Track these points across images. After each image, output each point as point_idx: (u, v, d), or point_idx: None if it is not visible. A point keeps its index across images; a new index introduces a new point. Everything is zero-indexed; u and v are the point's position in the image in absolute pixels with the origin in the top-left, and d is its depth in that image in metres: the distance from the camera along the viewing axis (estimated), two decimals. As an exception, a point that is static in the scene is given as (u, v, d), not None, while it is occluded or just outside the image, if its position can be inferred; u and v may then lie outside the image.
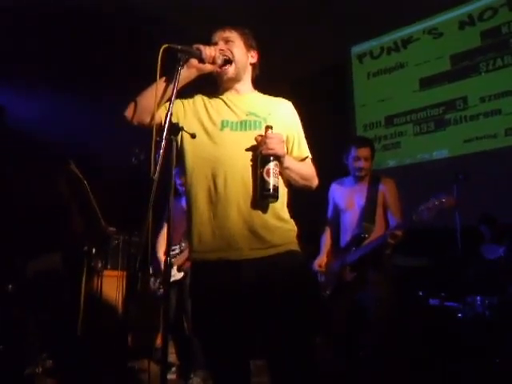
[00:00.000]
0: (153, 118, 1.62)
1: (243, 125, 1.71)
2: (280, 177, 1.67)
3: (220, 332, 1.63)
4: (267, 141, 1.60)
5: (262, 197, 1.61)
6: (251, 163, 1.66)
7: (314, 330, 1.68)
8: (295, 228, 1.74)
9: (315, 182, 1.83)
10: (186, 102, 1.80)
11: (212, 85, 1.83)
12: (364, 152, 3.07)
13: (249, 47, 1.82)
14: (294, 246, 1.69)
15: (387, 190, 3.02)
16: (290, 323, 1.56)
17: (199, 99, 1.81)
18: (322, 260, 3.11)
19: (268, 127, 1.65)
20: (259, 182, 1.61)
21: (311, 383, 1.60)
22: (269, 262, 1.60)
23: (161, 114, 1.65)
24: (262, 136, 1.65)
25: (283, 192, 1.73)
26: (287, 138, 1.77)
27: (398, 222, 2.84)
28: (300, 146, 1.80)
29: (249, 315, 1.61)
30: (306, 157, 1.82)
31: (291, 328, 1.56)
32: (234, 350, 1.65)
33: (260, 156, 1.62)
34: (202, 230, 1.66)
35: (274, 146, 1.60)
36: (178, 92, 1.58)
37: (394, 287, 2.88)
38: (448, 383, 2.99)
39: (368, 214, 2.97)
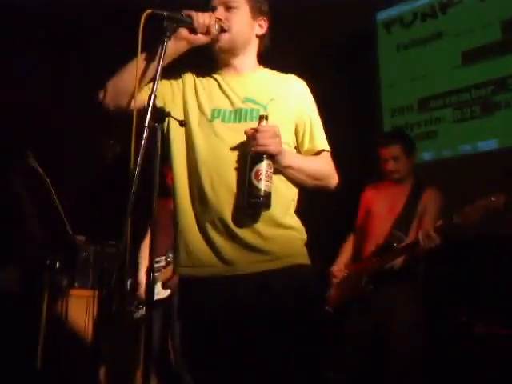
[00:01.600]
0: (132, 101, 1.62)
1: (237, 115, 1.72)
2: (283, 177, 1.69)
3: (215, 361, 1.65)
4: (258, 135, 1.59)
5: (250, 205, 1.60)
6: (244, 163, 1.65)
7: (315, 363, 1.66)
8: (303, 236, 1.75)
9: (333, 181, 1.81)
10: (174, 82, 1.81)
11: (209, 61, 1.84)
12: (391, 151, 3.10)
13: (257, 14, 1.81)
14: (300, 258, 1.70)
15: (429, 201, 3.05)
16: (280, 355, 1.58)
17: (190, 79, 1.82)
18: (338, 268, 3.16)
19: (262, 117, 1.64)
20: (247, 187, 1.59)
21: None
22: (269, 276, 1.61)
23: (144, 97, 1.61)
24: (253, 129, 1.63)
25: (287, 194, 1.73)
26: (296, 127, 1.78)
27: (435, 225, 2.82)
28: (313, 137, 1.79)
29: (248, 344, 1.62)
30: (322, 150, 1.80)
31: (283, 361, 1.58)
32: (229, 381, 1.67)
33: (250, 154, 1.62)
34: (189, 239, 1.69)
35: (266, 141, 1.58)
36: (164, 69, 1.58)
37: (422, 309, 2.92)
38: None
39: (403, 223, 3.01)
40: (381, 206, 3.16)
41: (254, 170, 1.58)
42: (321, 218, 3.90)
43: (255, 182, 1.57)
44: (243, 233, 1.62)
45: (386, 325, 2.90)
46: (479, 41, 4.96)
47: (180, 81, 1.82)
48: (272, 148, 1.59)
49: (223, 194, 1.64)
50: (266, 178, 1.58)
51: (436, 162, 4.99)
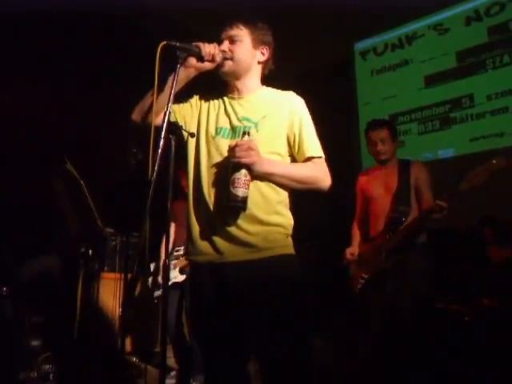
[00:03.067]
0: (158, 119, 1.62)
1: (233, 132, 1.72)
2: (270, 183, 1.67)
3: (213, 333, 1.65)
4: (236, 149, 1.58)
5: (230, 207, 1.58)
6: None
7: (301, 332, 1.65)
8: (286, 230, 1.70)
9: (323, 183, 1.74)
10: (194, 103, 1.82)
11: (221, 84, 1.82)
12: (379, 134, 2.94)
13: (258, 44, 1.78)
14: (283, 249, 1.66)
15: (418, 173, 2.90)
16: (271, 327, 1.58)
17: (206, 101, 1.82)
18: (353, 249, 3.00)
19: (244, 133, 1.62)
20: (227, 193, 1.58)
21: None
22: (253, 265, 1.60)
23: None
24: (235, 144, 1.62)
25: (272, 197, 1.69)
26: (287, 138, 1.74)
27: (431, 201, 2.66)
28: (302, 146, 1.74)
29: (236, 317, 1.62)
30: (311, 157, 1.74)
31: (272, 331, 1.57)
32: (228, 352, 1.65)
33: (231, 165, 1.60)
34: (194, 233, 1.70)
35: (242, 154, 1.56)
36: (181, 91, 1.61)
37: (433, 277, 2.75)
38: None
39: (402, 197, 2.83)
40: (377, 188, 2.98)
41: (232, 179, 1.57)
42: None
43: (232, 189, 1.56)
44: (231, 229, 1.62)
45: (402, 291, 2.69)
46: (439, 67, 4.98)
47: (198, 102, 1.82)
48: (246, 159, 1.57)
49: (215, 198, 1.65)
50: (242, 185, 1.56)
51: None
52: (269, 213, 1.67)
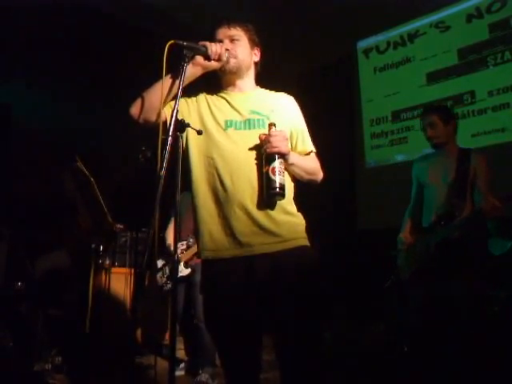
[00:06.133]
0: (159, 115, 1.62)
1: (247, 123, 1.72)
2: (286, 173, 1.68)
3: (233, 328, 1.64)
4: (271, 139, 1.60)
5: (269, 195, 1.60)
6: (256, 161, 1.66)
7: (321, 322, 1.67)
8: (303, 222, 1.74)
9: (320, 175, 1.83)
10: (189, 100, 1.81)
11: (216, 83, 1.83)
12: (428, 119, 2.80)
13: (253, 45, 1.83)
14: (303, 241, 1.69)
15: (479, 164, 2.69)
16: (296, 315, 1.58)
17: (202, 98, 1.81)
18: (405, 235, 2.87)
19: (271, 125, 1.65)
20: (265, 181, 1.61)
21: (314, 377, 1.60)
22: (280, 256, 1.60)
23: (166, 112, 1.65)
24: (265, 134, 1.64)
25: (290, 187, 1.73)
26: (291, 133, 1.77)
27: (489, 196, 2.48)
28: (304, 141, 1.81)
29: (261, 308, 1.61)
30: (311, 151, 1.82)
31: (297, 319, 1.58)
32: (246, 344, 1.66)
33: (265, 154, 1.62)
34: (212, 228, 1.67)
35: (278, 143, 1.59)
36: (183, 89, 1.58)
37: (481, 283, 2.63)
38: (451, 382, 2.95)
39: (458, 190, 2.65)
40: (433, 176, 2.80)
41: (271, 167, 1.59)
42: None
43: (272, 176, 1.58)
44: (261, 218, 1.62)
45: (446, 289, 2.55)
46: (440, 64, 4.94)
47: (194, 99, 1.82)
48: (283, 149, 1.61)
49: (242, 187, 1.64)
50: (279, 173, 1.59)
51: (407, 162, 4.96)
52: (288, 203, 1.71)
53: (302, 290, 1.59)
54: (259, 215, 1.62)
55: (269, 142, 1.60)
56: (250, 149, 1.68)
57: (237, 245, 1.62)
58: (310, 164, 1.80)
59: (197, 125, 1.73)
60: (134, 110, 1.69)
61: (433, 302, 2.60)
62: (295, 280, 1.58)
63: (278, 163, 1.59)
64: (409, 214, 3.00)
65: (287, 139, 1.66)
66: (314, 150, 1.84)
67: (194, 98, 1.82)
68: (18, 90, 4.47)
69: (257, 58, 1.85)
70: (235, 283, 1.62)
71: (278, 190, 1.58)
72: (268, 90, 1.87)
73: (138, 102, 1.69)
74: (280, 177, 1.59)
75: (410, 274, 2.76)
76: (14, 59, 4.25)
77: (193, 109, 1.78)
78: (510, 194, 2.41)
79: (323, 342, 1.68)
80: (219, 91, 1.83)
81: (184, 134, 1.68)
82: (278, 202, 1.64)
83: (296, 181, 1.79)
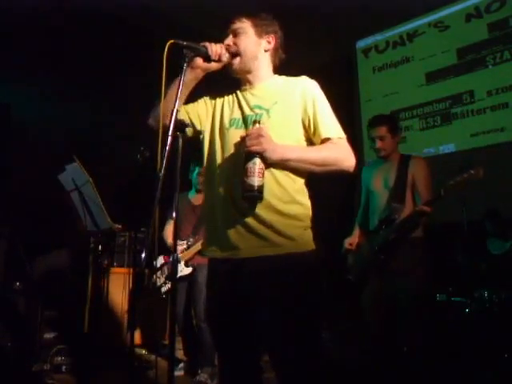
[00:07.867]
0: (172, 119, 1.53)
1: (245, 121, 1.67)
2: (286, 170, 1.59)
3: (229, 328, 1.62)
4: (246, 138, 1.52)
5: (245, 198, 1.52)
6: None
7: (311, 329, 1.58)
8: (303, 223, 1.62)
9: (346, 164, 1.63)
10: (209, 102, 1.79)
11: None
12: (378, 131, 2.89)
13: (262, 34, 1.74)
14: (298, 246, 1.58)
15: (416, 169, 2.84)
16: (272, 327, 1.53)
17: (221, 98, 1.79)
18: (353, 239, 2.99)
19: (255, 122, 1.56)
20: (242, 183, 1.51)
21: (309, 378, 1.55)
22: (268, 261, 1.53)
23: (182, 115, 1.65)
24: (246, 133, 1.56)
25: (288, 185, 1.62)
26: (303, 121, 1.66)
27: (427, 198, 2.66)
28: (318, 128, 1.64)
29: (251, 312, 1.58)
30: (328, 138, 1.63)
31: (273, 333, 1.53)
32: (242, 348, 1.63)
33: (243, 155, 1.54)
34: (210, 228, 1.68)
35: (251, 142, 1.50)
36: (194, 91, 1.59)
37: (425, 276, 2.71)
38: (453, 380, 2.97)
39: (397, 194, 2.80)
40: (376, 182, 2.94)
41: (246, 168, 1.49)
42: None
43: (245, 178, 1.49)
44: (249, 219, 1.55)
45: (392, 287, 2.71)
46: (439, 64, 4.95)
47: (213, 100, 1.80)
48: (256, 147, 1.49)
49: (233, 189, 1.58)
50: (256, 173, 1.48)
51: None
52: (286, 202, 1.59)
53: (282, 303, 1.51)
54: (248, 216, 1.56)
55: (244, 141, 1.54)
56: (240, 149, 1.60)
57: (225, 246, 1.59)
58: (319, 154, 1.62)
59: (209, 125, 1.73)
60: (151, 119, 1.70)
61: (379, 303, 2.74)
62: (275, 292, 1.51)
63: (254, 163, 1.49)
64: (358, 219, 3.13)
65: (264, 136, 1.51)
66: (337, 136, 1.64)
67: (213, 100, 1.80)
68: (18, 90, 4.47)
69: (269, 46, 1.76)
70: (222, 284, 1.61)
71: (252, 192, 1.48)
72: (285, 77, 1.78)
73: (155, 111, 1.68)
74: (256, 178, 1.48)
75: (358, 275, 2.90)
76: (13, 59, 4.24)
77: (210, 110, 1.77)
78: (434, 199, 2.59)
79: (315, 352, 1.60)
80: (236, 89, 1.79)
81: (202, 136, 1.72)
82: (269, 201, 1.55)
83: (307, 176, 1.68)
